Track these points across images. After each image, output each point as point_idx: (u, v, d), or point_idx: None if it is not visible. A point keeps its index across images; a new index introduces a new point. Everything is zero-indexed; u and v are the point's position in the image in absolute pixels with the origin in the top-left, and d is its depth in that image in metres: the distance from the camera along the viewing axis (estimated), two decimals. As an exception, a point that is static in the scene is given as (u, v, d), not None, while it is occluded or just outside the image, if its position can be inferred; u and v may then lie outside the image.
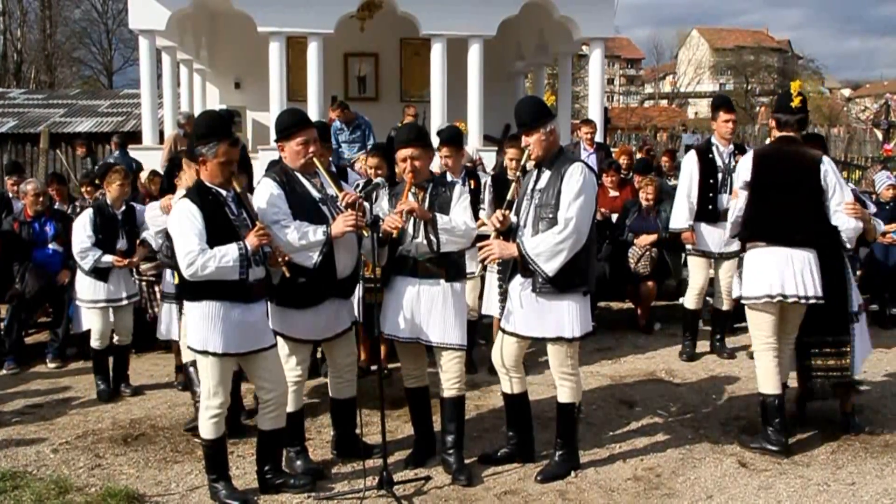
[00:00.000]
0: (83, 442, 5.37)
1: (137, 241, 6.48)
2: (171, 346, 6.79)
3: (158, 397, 6.32)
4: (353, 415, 4.91)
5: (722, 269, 7.08)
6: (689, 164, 7.01)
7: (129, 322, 6.55)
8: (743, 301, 5.21)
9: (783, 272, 4.96)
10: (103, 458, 5.09)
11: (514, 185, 4.75)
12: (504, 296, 6.31)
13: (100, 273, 6.34)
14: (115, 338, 6.50)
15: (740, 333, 7.72)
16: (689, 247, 7.12)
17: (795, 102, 5.16)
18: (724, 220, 6.85)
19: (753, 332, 5.20)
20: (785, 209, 5.02)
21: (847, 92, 57.08)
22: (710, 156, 6.95)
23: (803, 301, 4.97)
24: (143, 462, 5.00)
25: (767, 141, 13.89)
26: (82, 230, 6.32)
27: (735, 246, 6.91)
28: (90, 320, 6.46)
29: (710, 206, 6.93)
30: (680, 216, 7.02)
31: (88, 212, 6.42)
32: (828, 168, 5.02)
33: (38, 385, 6.70)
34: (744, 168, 5.24)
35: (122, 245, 6.44)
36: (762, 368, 5.11)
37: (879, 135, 19.10)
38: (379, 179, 6.88)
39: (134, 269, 6.81)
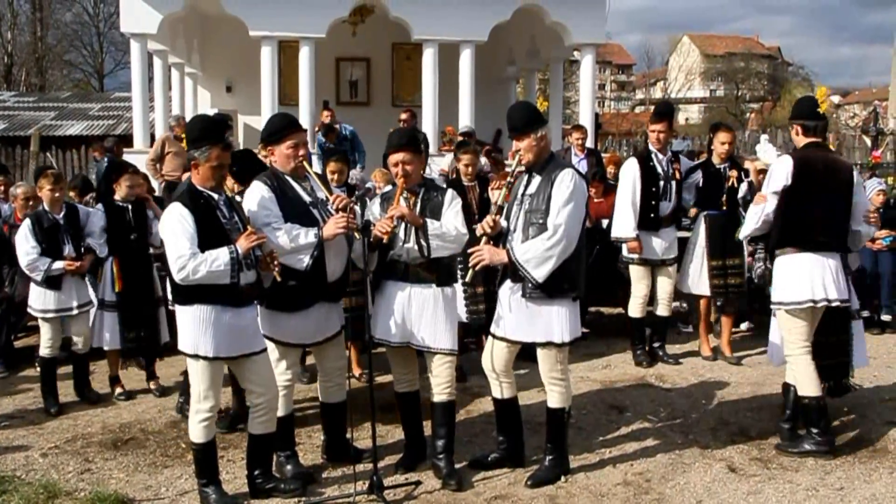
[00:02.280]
0: (72, 446, 5.35)
1: (83, 249, 6.23)
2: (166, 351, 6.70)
3: (148, 401, 6.29)
4: (343, 419, 4.91)
5: (662, 276, 7.12)
6: (631, 172, 6.95)
7: (84, 330, 6.32)
8: (781, 307, 5.18)
9: (824, 277, 5.03)
10: (93, 462, 5.07)
11: (503, 190, 4.76)
12: (470, 299, 6.38)
13: (52, 282, 6.08)
14: (73, 346, 6.33)
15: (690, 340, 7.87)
16: (631, 255, 7.05)
17: (823, 108, 5.30)
18: (666, 227, 6.97)
19: (790, 336, 5.17)
20: (825, 215, 5.10)
21: (836, 99, 57.33)
22: (651, 163, 6.95)
23: (839, 304, 5.08)
24: (132, 466, 4.99)
25: (759, 146, 13.97)
26: (25, 242, 6.03)
27: (673, 253, 7.02)
28: (41, 329, 6.25)
29: (653, 214, 6.94)
30: (625, 225, 6.94)
31: (26, 222, 6.13)
32: (857, 176, 5.20)
33: (27, 389, 6.65)
34: (780, 173, 5.14)
35: (70, 251, 6.15)
36: (802, 372, 5.12)
37: (868, 141, 19.18)
38: (370, 184, 6.94)
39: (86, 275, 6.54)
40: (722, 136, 7.18)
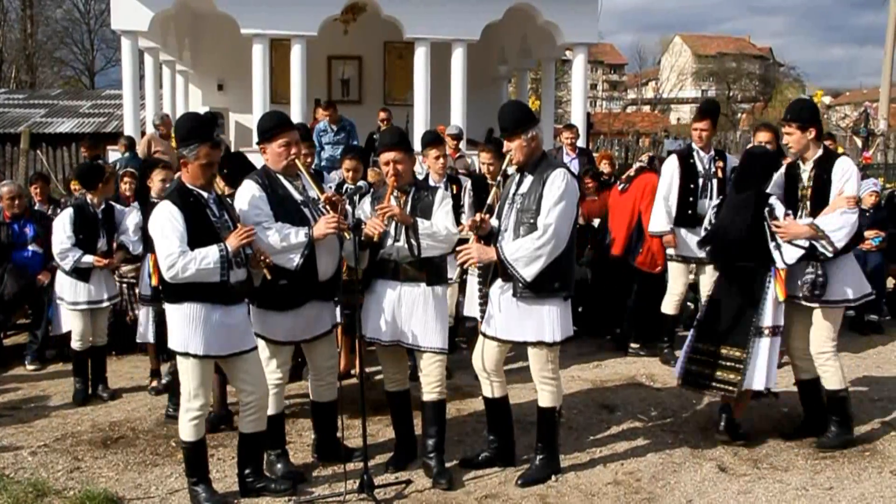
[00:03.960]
0: (62, 444, 5.33)
1: (115, 245, 6.39)
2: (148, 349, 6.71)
3: (138, 400, 6.27)
4: (333, 418, 4.90)
5: (705, 274, 7.11)
6: (670, 168, 7.03)
7: (105, 323, 6.51)
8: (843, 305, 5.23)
9: None
10: (82, 460, 5.05)
11: (494, 189, 4.76)
12: (484, 299, 6.38)
13: (81, 274, 6.23)
14: (91, 338, 6.40)
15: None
16: (670, 252, 7.12)
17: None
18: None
19: (832, 334, 5.19)
20: None
21: (827, 100, 57.54)
22: (692, 161, 6.99)
23: None
24: (122, 465, 4.97)
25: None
26: (62, 230, 6.18)
27: None
28: (71, 322, 6.39)
29: (691, 211, 6.95)
30: (660, 220, 7.02)
31: (68, 211, 6.28)
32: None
33: (16, 387, 6.62)
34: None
35: (102, 245, 6.32)
36: (836, 367, 5.17)
37: (859, 142, 19.29)
38: (362, 183, 6.93)
39: (116, 271, 6.74)
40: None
